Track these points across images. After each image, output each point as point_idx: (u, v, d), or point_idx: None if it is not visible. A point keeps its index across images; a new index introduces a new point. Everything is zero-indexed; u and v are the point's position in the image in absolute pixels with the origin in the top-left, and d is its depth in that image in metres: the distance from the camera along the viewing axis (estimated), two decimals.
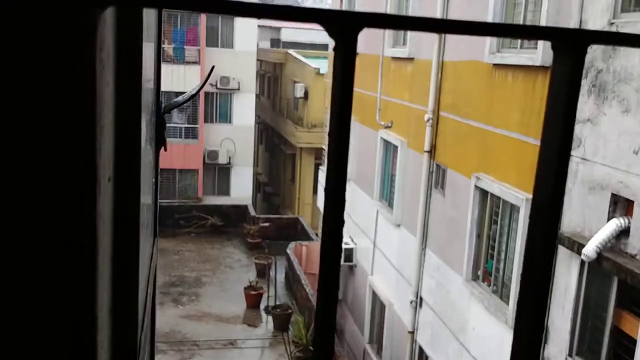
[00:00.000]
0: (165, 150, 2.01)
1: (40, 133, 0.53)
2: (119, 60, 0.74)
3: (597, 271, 6.67)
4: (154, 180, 1.92)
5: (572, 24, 7.01)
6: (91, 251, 0.60)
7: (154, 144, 1.87)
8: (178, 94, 24.17)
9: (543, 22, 7.52)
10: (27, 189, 0.53)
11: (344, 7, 15.68)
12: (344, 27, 0.44)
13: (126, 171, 0.81)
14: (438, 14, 10.15)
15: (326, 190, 0.46)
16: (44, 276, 0.58)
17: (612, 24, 6.47)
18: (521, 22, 8.31)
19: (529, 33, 0.54)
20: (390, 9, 12.62)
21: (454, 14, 9.99)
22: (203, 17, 25.94)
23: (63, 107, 0.53)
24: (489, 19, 8.66)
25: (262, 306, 17.64)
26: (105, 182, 0.65)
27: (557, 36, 0.49)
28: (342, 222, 0.46)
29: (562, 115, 0.48)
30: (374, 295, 13.59)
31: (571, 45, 0.47)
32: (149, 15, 1.79)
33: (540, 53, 7.53)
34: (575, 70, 0.48)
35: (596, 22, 6.68)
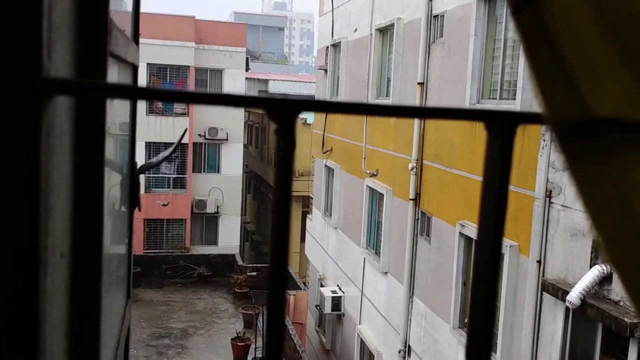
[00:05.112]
0: (140, 210, 2.06)
1: None
2: (78, 140, 0.78)
3: (582, 318, 6.68)
4: (127, 241, 1.96)
5: None
6: (34, 335, 0.57)
7: (128, 205, 1.91)
8: (167, 144, 24.33)
9: (521, 73, 7.73)
10: None
11: (329, 78, 16.09)
12: (283, 112, 0.50)
13: (85, 245, 0.85)
14: (419, 71, 10.38)
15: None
16: None
17: None
18: (499, 75, 8.52)
19: (463, 114, 0.59)
20: (372, 71, 12.90)
21: (435, 69, 10.22)
22: (192, 70, 26.29)
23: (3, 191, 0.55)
24: (469, 72, 8.88)
25: (249, 358, 17.34)
26: (57, 258, 0.67)
27: (488, 117, 0.54)
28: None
29: (496, 191, 0.53)
30: (363, 345, 13.43)
31: (502, 126, 0.53)
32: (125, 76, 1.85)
33: (519, 103, 7.71)
34: (507, 148, 0.53)
35: None
